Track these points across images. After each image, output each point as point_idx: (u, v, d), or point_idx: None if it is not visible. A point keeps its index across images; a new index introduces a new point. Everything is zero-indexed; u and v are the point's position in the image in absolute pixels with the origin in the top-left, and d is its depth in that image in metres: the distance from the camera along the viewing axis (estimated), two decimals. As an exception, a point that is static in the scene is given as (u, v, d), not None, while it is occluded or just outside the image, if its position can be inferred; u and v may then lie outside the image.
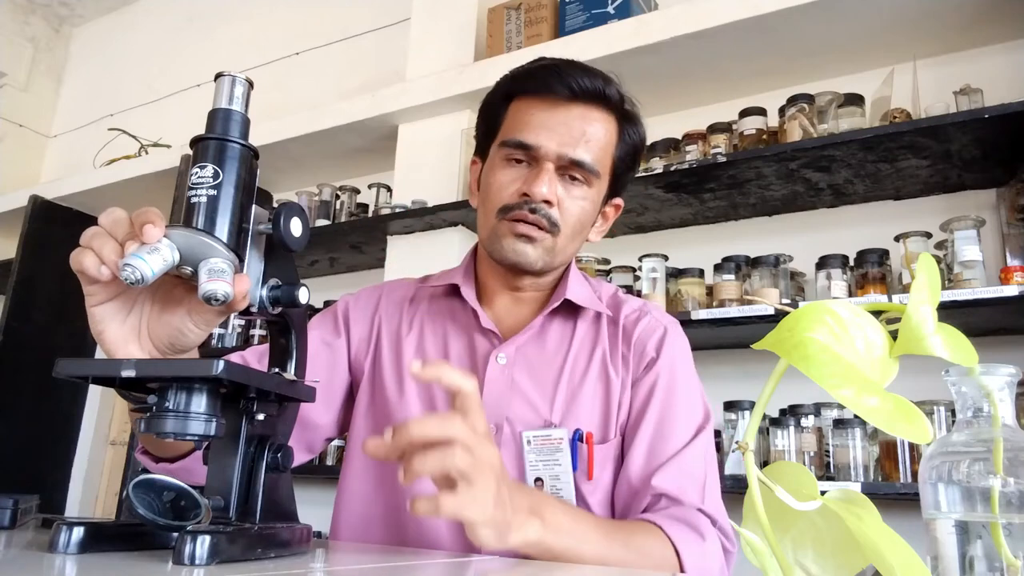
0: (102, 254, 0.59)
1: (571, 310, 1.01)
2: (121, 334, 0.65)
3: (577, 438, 0.91)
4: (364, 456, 0.99)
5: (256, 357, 0.97)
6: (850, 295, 1.87)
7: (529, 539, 0.68)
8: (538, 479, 0.90)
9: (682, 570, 0.80)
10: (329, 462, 2.49)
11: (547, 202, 0.92)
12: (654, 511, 0.87)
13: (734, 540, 0.90)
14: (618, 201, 1.05)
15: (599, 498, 0.92)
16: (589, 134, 0.93)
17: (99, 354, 0.68)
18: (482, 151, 1.02)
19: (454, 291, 1.03)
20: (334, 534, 0.99)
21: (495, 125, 0.99)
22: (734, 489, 1.74)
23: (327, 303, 2.37)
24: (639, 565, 0.78)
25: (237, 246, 0.61)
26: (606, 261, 2.26)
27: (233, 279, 0.59)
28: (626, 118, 0.98)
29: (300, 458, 1.00)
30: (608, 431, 0.94)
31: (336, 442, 2.48)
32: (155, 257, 0.57)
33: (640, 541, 0.81)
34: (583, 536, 0.74)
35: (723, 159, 1.94)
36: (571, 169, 0.93)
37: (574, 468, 0.90)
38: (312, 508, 1.25)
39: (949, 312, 1.63)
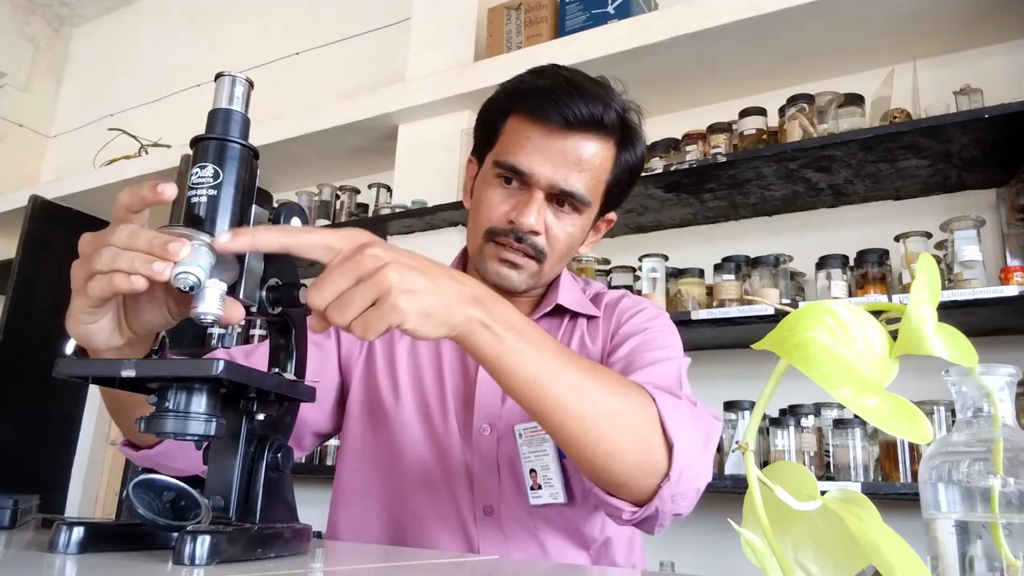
0: (135, 267, 0.56)
1: (560, 311, 1.02)
2: (107, 332, 0.64)
3: None
4: (359, 457, 0.99)
5: (243, 354, 0.97)
6: (850, 295, 1.87)
7: (475, 319, 0.64)
8: (532, 470, 0.92)
9: (662, 419, 0.75)
10: (329, 462, 2.49)
11: (534, 232, 0.92)
12: None
13: (720, 417, 0.87)
14: (611, 216, 1.05)
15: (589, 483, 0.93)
16: (583, 163, 0.92)
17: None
18: (479, 154, 1.02)
19: None
20: (330, 535, 0.99)
21: (492, 135, 0.98)
22: (734, 489, 1.75)
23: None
24: (611, 403, 0.72)
25: (237, 246, 0.61)
26: (606, 261, 2.26)
27: (225, 303, 0.59)
28: (624, 139, 0.96)
29: None
30: None
31: (334, 442, 2.48)
32: (205, 264, 0.57)
33: (609, 375, 0.76)
34: (540, 342, 0.69)
35: (723, 159, 1.94)
36: (561, 197, 0.93)
37: (563, 455, 0.90)
38: (312, 508, 1.25)
39: (949, 312, 1.63)
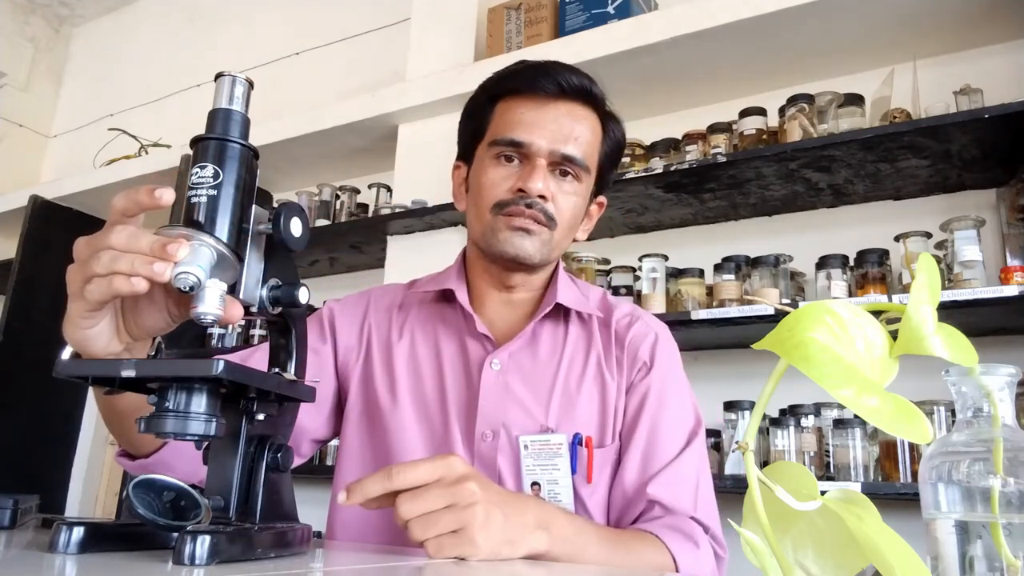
0: (135, 269, 0.56)
1: (562, 313, 1.01)
2: (105, 337, 0.64)
3: (576, 442, 0.91)
4: (358, 461, 0.99)
5: (239, 360, 0.96)
6: (850, 295, 1.87)
7: (536, 550, 0.72)
8: (535, 483, 0.91)
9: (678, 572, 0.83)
10: (329, 462, 2.49)
11: (543, 197, 0.93)
12: (649, 519, 0.90)
13: (725, 546, 0.93)
14: (601, 199, 1.06)
15: (597, 500, 0.93)
16: (578, 130, 0.95)
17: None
18: (466, 155, 1.03)
19: (444, 296, 1.03)
20: (329, 536, 0.99)
21: (481, 127, 0.99)
22: (734, 489, 1.75)
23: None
24: (638, 569, 0.80)
25: (237, 246, 0.61)
26: (606, 261, 2.26)
27: (225, 303, 0.59)
28: (609, 116, 1.00)
29: None
30: (605, 435, 0.95)
31: (334, 442, 2.48)
32: (206, 264, 0.57)
33: (639, 548, 0.84)
34: (585, 545, 0.78)
35: (723, 159, 1.94)
36: (563, 164, 0.95)
37: (573, 471, 0.90)
38: (312, 508, 1.25)
39: (949, 312, 1.63)
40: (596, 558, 0.78)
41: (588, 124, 0.97)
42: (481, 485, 0.69)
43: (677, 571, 0.83)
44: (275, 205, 0.65)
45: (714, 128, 2.11)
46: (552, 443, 0.91)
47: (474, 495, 0.67)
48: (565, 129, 0.94)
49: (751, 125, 2.05)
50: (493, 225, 0.95)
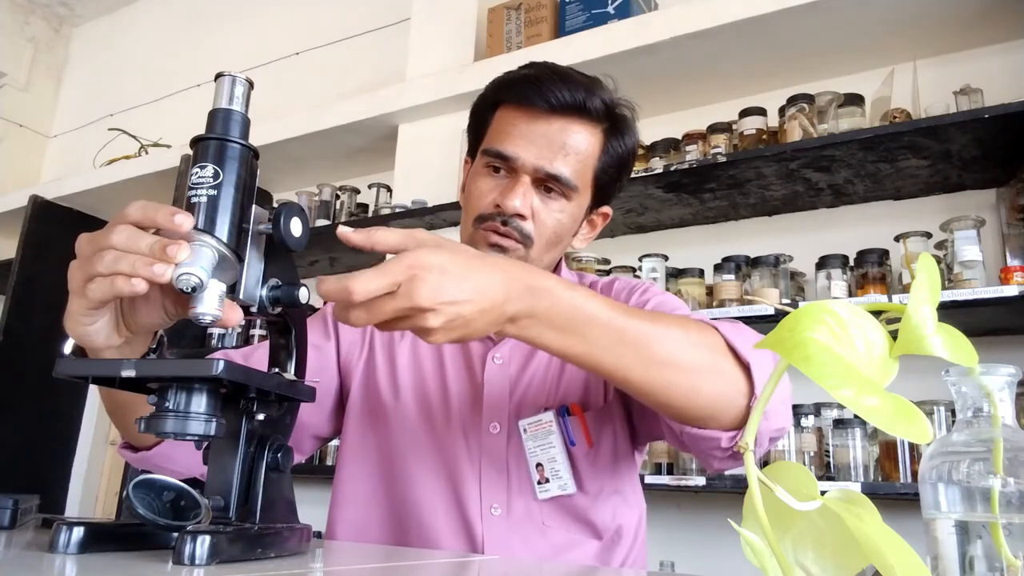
0: (135, 270, 0.56)
1: None
2: (105, 332, 0.64)
3: (564, 413, 0.93)
4: (359, 460, 0.99)
5: (242, 356, 0.97)
6: (850, 295, 1.87)
7: (504, 319, 0.65)
8: (539, 464, 0.92)
9: (729, 343, 0.74)
10: (329, 462, 2.49)
11: (520, 215, 0.92)
12: None
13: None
14: (606, 210, 1.05)
15: (603, 462, 0.94)
16: (568, 147, 0.92)
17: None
18: (472, 151, 1.03)
19: None
20: (330, 536, 0.99)
21: (482, 130, 0.99)
22: (734, 489, 1.75)
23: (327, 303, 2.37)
24: (672, 349, 0.71)
25: (237, 246, 0.61)
26: (606, 261, 2.26)
27: (224, 306, 0.59)
28: (613, 128, 0.97)
29: None
30: (590, 397, 0.95)
31: (334, 441, 2.48)
32: (207, 265, 0.57)
33: (672, 319, 0.75)
34: (585, 323, 0.68)
35: (723, 159, 1.94)
36: (548, 182, 0.93)
37: (572, 443, 0.91)
38: (312, 508, 1.25)
39: (949, 312, 1.63)
40: (602, 341, 0.67)
41: (582, 140, 0.93)
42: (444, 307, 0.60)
43: (727, 340, 0.74)
44: (275, 205, 0.65)
45: (714, 128, 2.11)
46: (543, 422, 0.92)
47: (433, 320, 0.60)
48: (554, 146, 0.92)
49: (751, 125, 2.05)
50: (473, 238, 0.95)
